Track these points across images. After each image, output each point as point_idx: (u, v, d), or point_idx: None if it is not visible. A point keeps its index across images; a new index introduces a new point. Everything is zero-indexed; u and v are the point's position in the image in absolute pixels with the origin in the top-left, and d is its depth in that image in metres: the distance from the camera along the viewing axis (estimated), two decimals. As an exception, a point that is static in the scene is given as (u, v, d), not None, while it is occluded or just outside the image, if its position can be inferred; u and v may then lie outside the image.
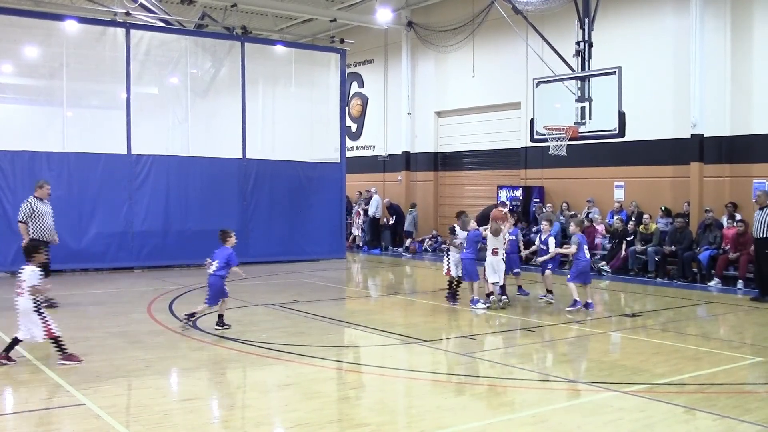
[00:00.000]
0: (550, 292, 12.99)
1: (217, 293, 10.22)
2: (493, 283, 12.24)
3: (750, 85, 16.57)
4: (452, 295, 12.89)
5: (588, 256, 12.56)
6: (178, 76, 20.02)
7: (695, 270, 16.06)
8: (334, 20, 23.34)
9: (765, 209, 13.30)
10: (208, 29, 21.81)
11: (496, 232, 12.18)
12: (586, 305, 12.08)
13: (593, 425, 6.24)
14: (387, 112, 26.79)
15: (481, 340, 10.26)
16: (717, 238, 15.94)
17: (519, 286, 13.56)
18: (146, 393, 7.26)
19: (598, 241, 18.07)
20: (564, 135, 15.91)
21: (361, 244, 25.19)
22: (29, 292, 8.05)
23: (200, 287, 14.52)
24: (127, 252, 17.79)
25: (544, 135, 16.33)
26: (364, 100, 28.04)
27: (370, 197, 25.12)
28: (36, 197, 12.22)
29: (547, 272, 12.99)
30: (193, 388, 7.63)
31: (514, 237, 13.20)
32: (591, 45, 16.06)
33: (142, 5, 20.10)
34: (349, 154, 23.53)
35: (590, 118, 15.54)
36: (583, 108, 15.60)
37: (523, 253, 14.29)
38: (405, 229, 24.53)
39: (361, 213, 25.14)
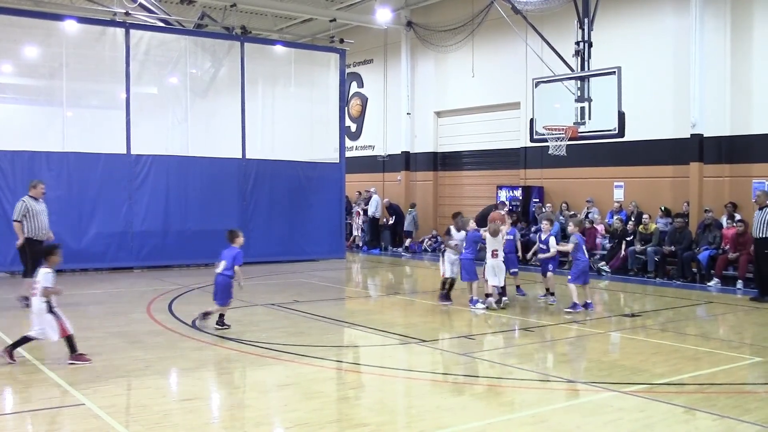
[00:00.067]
0: (552, 293, 12.98)
1: (224, 292, 10.23)
2: (493, 286, 12.25)
3: (750, 85, 16.58)
4: (444, 295, 12.93)
5: (587, 256, 12.57)
6: (178, 76, 20.02)
7: (695, 270, 16.07)
8: (334, 20, 23.35)
9: (764, 209, 13.30)
10: (208, 29, 21.81)
11: (494, 233, 12.18)
12: (586, 305, 12.08)
13: (593, 425, 6.24)
14: (386, 112, 26.78)
15: (481, 340, 10.26)
16: (716, 238, 15.95)
17: (517, 286, 13.56)
18: (146, 393, 7.26)
19: (598, 241, 18.07)
20: (563, 135, 15.90)
21: (360, 244, 25.20)
22: (41, 294, 8.13)
23: (200, 287, 14.57)
24: (126, 252, 17.79)
25: (544, 135, 16.32)
26: (364, 100, 28.04)
27: (370, 197, 25.13)
28: (30, 196, 12.29)
29: (549, 274, 13.00)
30: (192, 388, 7.63)
31: (511, 237, 13.19)
32: (591, 45, 16.05)
33: (141, 5, 20.10)
34: (348, 154, 23.54)
35: (590, 118, 15.53)
36: (582, 108, 15.59)
37: (528, 254, 14.27)
38: (405, 228, 24.54)
39: (361, 213, 25.16)
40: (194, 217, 18.60)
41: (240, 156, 19.57)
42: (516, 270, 13.42)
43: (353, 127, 27.95)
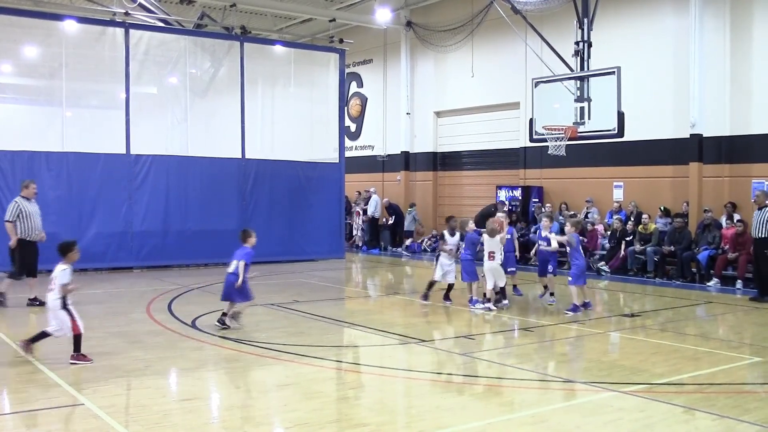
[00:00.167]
0: (552, 293, 12.98)
1: (242, 290, 10.22)
2: (490, 289, 12.25)
3: (749, 85, 16.58)
4: (426, 296, 13.03)
5: (584, 256, 12.58)
6: (177, 75, 20.01)
7: (694, 270, 16.07)
8: (334, 20, 23.35)
9: (764, 209, 13.30)
10: (207, 29, 21.80)
11: (492, 233, 12.16)
12: (585, 305, 12.09)
13: (593, 425, 6.25)
14: (386, 112, 26.79)
15: (480, 339, 10.27)
16: (716, 238, 15.95)
17: (514, 286, 13.52)
18: (145, 393, 7.26)
19: (598, 241, 18.07)
20: (563, 135, 15.90)
21: (360, 244, 25.20)
22: (59, 291, 8.21)
23: (199, 287, 14.57)
24: (126, 252, 17.79)
25: (543, 135, 16.31)
26: (363, 100, 28.04)
27: (369, 197, 25.13)
28: (23, 197, 12.29)
29: (549, 275, 13.00)
30: (192, 388, 7.64)
31: (509, 236, 13.18)
32: (590, 45, 16.05)
33: (141, 5, 20.10)
34: (348, 154, 23.54)
35: (589, 118, 15.52)
36: (582, 108, 15.58)
37: (530, 253, 14.23)
38: (404, 228, 24.54)
39: (361, 213, 25.16)
40: (194, 217, 18.60)
41: (240, 156, 19.56)
42: (514, 269, 13.41)
43: (353, 127, 27.95)
